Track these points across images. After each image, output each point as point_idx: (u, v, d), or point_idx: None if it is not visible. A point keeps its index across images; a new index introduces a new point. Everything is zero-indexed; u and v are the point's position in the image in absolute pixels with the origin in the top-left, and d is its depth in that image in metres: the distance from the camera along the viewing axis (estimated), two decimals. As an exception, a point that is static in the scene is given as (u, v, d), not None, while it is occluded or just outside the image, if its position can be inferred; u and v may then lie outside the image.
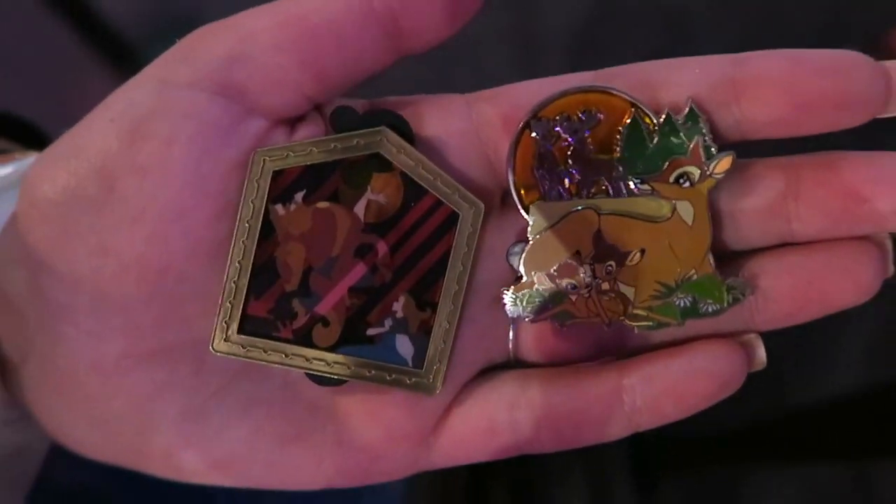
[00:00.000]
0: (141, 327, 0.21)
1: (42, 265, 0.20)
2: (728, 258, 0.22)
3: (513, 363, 0.23)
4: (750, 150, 0.21)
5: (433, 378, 0.22)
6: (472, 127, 0.22)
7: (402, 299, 0.22)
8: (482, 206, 0.21)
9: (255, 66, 0.20)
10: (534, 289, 0.21)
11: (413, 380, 0.22)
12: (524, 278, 0.21)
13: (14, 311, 0.22)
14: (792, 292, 0.21)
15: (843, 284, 0.21)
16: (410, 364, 0.22)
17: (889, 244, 0.21)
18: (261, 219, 0.21)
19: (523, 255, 0.21)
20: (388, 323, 0.22)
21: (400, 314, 0.22)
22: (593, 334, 0.23)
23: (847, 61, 0.20)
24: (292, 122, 0.21)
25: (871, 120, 0.20)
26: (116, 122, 0.19)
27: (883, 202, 0.20)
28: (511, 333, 0.23)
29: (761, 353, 0.22)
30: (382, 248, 0.21)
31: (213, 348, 0.21)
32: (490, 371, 0.23)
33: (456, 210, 0.21)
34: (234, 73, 0.20)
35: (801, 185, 0.21)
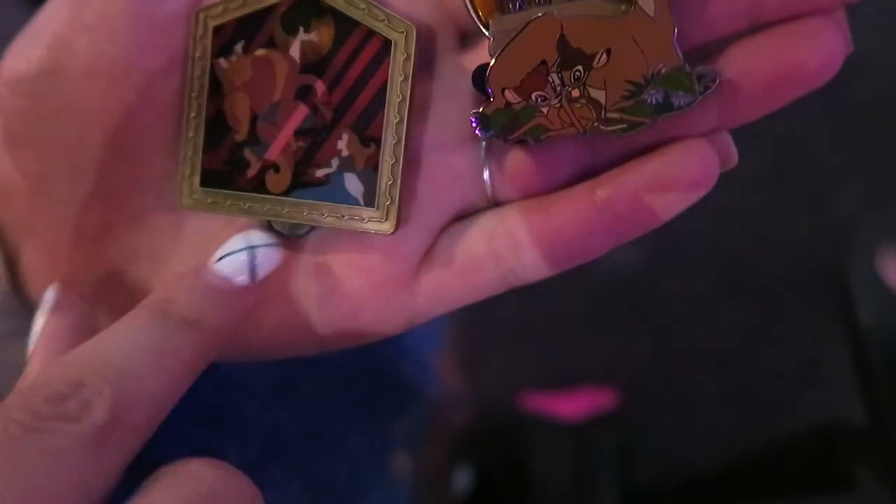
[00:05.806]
0: (116, 193, 0.22)
1: (16, 139, 0.22)
2: (693, 53, 0.20)
3: (492, 206, 0.23)
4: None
5: (387, 214, 0.21)
6: None
7: (345, 137, 0.21)
8: (413, 28, 0.21)
9: None
10: (503, 106, 0.20)
11: (368, 217, 0.22)
12: (492, 98, 0.21)
13: (5, 195, 0.23)
14: (760, 75, 0.20)
15: (808, 57, 0.19)
16: (362, 202, 0.22)
17: (844, 16, 0.20)
18: (208, 74, 0.22)
19: (488, 73, 0.20)
20: (335, 162, 0.22)
21: (345, 152, 0.22)
22: (569, 156, 0.22)
23: None
24: None
25: None
26: None
27: None
28: (486, 173, 0.22)
29: (732, 150, 0.21)
30: (320, 87, 0.21)
31: (181, 202, 0.22)
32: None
33: (387, 38, 0.21)
34: None
35: None
